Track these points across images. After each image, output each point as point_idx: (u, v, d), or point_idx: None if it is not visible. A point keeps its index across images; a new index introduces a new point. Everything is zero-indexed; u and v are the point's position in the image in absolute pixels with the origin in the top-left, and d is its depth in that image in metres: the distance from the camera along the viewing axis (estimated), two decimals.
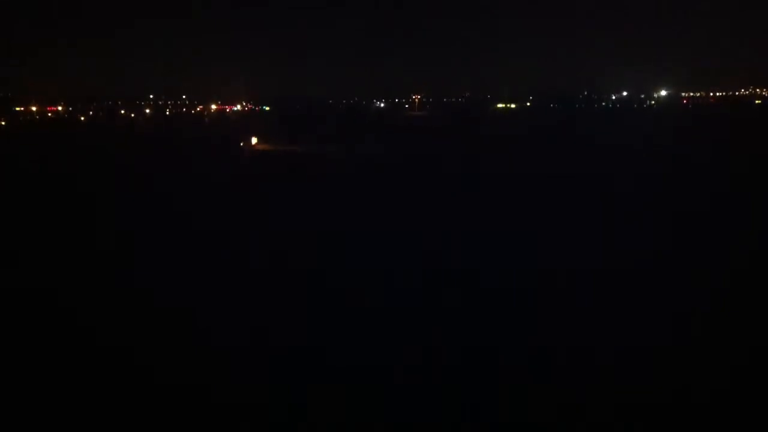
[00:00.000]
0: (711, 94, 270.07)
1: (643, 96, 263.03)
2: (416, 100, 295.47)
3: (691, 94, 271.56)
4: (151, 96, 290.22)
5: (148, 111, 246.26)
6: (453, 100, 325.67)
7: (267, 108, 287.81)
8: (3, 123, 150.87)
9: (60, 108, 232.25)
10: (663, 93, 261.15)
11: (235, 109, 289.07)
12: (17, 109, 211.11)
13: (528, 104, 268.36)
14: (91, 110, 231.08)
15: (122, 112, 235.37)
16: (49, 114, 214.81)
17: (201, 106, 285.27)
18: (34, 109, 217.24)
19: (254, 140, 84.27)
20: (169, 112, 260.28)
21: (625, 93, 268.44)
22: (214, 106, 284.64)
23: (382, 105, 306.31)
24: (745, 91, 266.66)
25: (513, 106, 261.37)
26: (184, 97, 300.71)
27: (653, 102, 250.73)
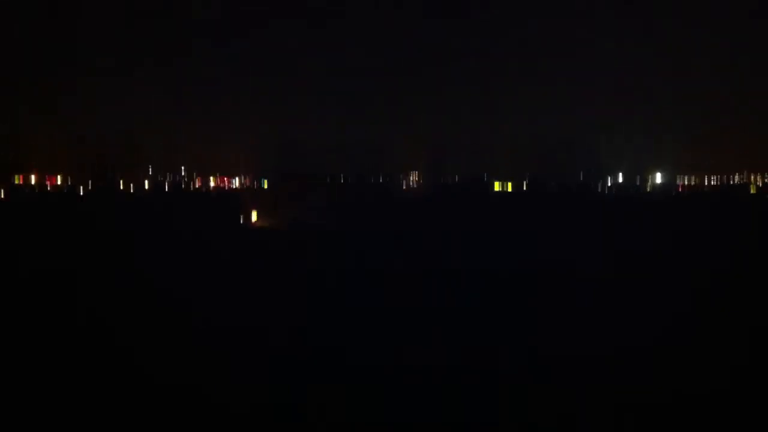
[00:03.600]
0: (706, 180, 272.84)
1: (638, 182, 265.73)
2: (414, 177, 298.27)
3: (686, 181, 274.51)
4: (150, 168, 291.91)
5: (147, 184, 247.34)
6: (450, 179, 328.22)
7: (265, 183, 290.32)
8: (2, 195, 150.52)
9: (59, 180, 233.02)
10: (658, 179, 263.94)
11: (234, 184, 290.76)
12: (17, 183, 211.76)
13: (525, 185, 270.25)
14: (90, 182, 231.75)
15: (121, 184, 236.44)
16: (48, 187, 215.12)
17: (200, 179, 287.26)
18: (33, 179, 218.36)
19: (254, 216, 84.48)
20: (168, 185, 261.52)
21: (620, 178, 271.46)
22: (212, 182, 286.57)
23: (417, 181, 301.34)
24: (740, 177, 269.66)
25: (510, 189, 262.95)
26: (183, 168, 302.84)
27: (648, 188, 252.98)
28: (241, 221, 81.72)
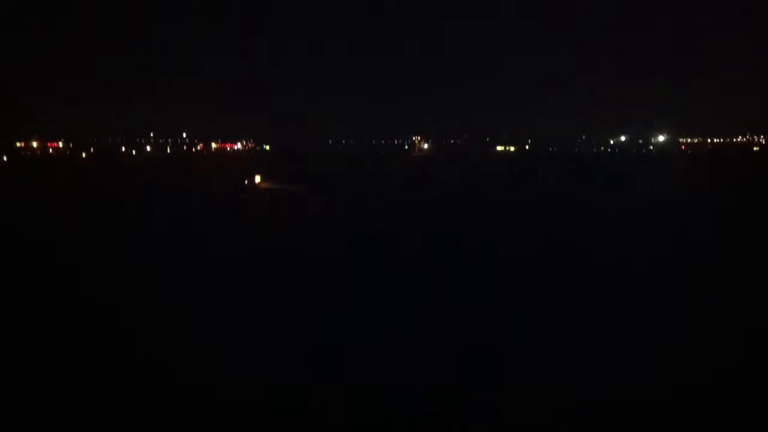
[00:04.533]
0: (708, 140, 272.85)
1: (641, 141, 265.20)
2: (417, 141, 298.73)
3: (689, 140, 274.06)
4: (152, 134, 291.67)
5: (149, 148, 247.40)
6: (452, 141, 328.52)
7: (267, 147, 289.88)
8: (5, 158, 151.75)
9: (60, 144, 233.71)
10: (661, 138, 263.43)
11: (236, 147, 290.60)
12: (18, 144, 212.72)
13: (527, 147, 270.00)
14: (92, 147, 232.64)
15: (123, 149, 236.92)
16: (50, 150, 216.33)
17: (201, 144, 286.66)
18: (35, 144, 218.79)
19: (257, 179, 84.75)
20: (170, 149, 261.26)
21: (623, 138, 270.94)
22: (214, 145, 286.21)
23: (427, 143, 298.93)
24: (742, 137, 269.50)
25: (512, 149, 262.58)
26: (184, 135, 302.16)
27: (651, 148, 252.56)
28: (246, 183, 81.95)
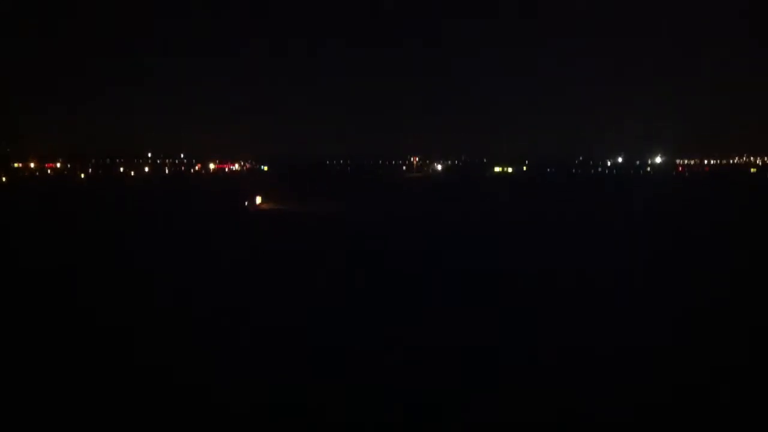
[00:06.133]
0: (705, 161, 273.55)
1: (638, 162, 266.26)
2: (415, 161, 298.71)
3: (686, 161, 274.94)
4: (150, 154, 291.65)
5: (147, 169, 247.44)
6: (449, 163, 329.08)
7: (265, 167, 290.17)
8: (4, 179, 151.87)
9: (59, 165, 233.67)
10: (658, 159, 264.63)
11: (234, 168, 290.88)
12: (16, 165, 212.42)
13: (525, 168, 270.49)
14: (90, 167, 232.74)
15: (121, 169, 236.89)
16: (49, 171, 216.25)
17: (199, 165, 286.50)
18: (32, 165, 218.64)
19: (258, 200, 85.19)
20: (168, 170, 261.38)
21: (620, 159, 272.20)
22: (212, 165, 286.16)
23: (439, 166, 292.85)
24: (739, 159, 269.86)
25: (510, 170, 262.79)
26: (182, 155, 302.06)
27: (649, 169, 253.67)
28: (246, 204, 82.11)
